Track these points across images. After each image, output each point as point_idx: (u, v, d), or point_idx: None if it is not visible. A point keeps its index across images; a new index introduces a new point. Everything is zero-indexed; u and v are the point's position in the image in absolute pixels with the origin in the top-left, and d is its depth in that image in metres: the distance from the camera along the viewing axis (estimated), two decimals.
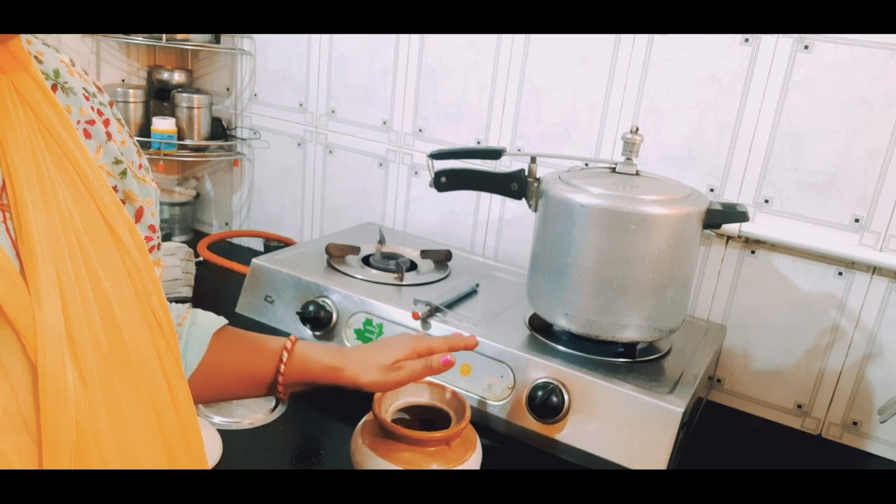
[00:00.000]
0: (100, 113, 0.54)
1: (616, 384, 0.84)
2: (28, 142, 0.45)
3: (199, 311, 0.71)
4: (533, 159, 0.94)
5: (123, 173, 0.54)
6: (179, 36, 1.46)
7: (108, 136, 0.54)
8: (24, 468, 0.39)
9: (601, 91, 1.16)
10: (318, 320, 1.00)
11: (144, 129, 1.49)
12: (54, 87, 0.51)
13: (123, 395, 0.45)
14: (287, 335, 1.03)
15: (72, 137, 0.48)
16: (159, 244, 0.59)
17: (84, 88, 0.54)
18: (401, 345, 0.75)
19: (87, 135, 0.52)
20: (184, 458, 0.49)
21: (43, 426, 0.40)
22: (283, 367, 0.71)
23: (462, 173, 0.98)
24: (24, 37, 0.51)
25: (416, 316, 0.96)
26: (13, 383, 0.40)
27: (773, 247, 1.08)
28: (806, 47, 1.00)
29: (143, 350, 0.47)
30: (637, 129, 0.93)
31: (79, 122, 0.52)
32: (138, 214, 0.56)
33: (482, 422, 0.89)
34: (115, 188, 0.53)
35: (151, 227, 0.58)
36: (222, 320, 0.71)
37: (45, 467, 0.39)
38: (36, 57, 0.50)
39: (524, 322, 1.00)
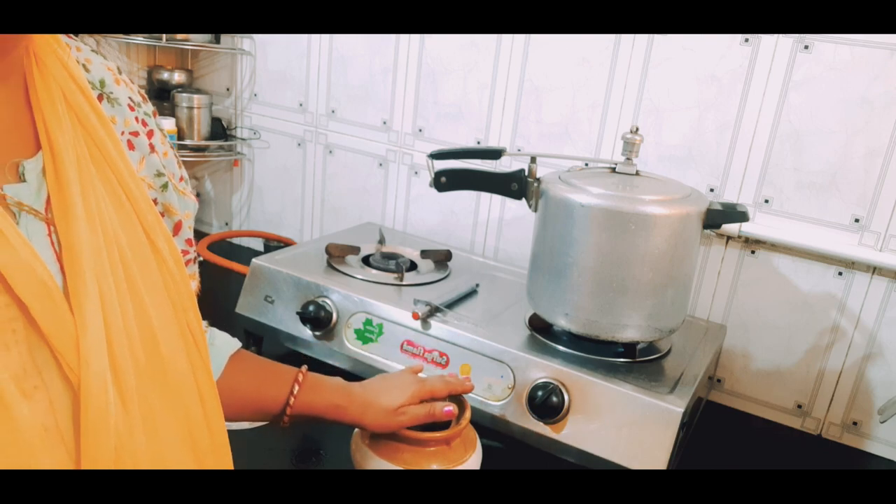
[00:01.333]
0: (144, 124, 0.54)
1: (616, 384, 0.84)
2: (74, 152, 0.45)
3: (216, 331, 0.72)
4: (533, 159, 0.94)
5: (164, 186, 0.54)
6: (179, 36, 1.46)
7: (152, 147, 0.54)
8: None
9: (601, 91, 1.16)
10: (318, 320, 1.00)
11: None
12: (100, 98, 0.51)
13: (160, 412, 0.45)
14: (287, 335, 1.04)
15: (116, 149, 0.48)
16: (195, 258, 0.59)
17: (130, 98, 0.54)
18: (404, 387, 0.76)
19: (131, 146, 0.52)
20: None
21: (83, 446, 0.40)
22: (293, 398, 0.71)
23: (462, 173, 0.97)
24: (73, 44, 0.51)
25: (416, 316, 0.95)
26: (52, 399, 0.40)
27: (773, 247, 1.08)
28: (806, 47, 1.00)
29: (179, 366, 0.47)
30: (637, 129, 0.93)
31: (123, 132, 0.52)
32: (176, 228, 0.56)
33: (482, 422, 0.88)
34: (154, 201, 0.53)
35: (188, 241, 0.57)
36: (237, 343, 0.72)
37: None
38: (84, 65, 0.50)
39: (524, 322, 1.00)
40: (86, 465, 0.40)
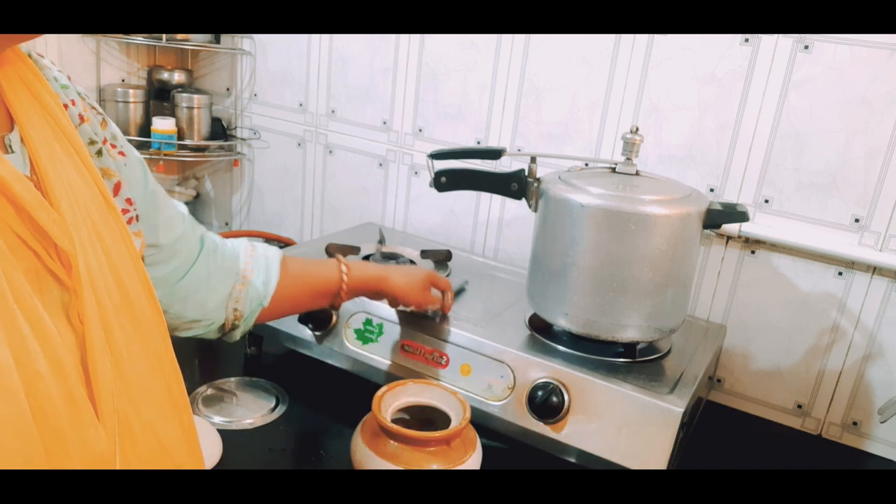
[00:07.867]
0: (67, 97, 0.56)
1: (616, 384, 0.84)
2: (40, 122, 0.48)
3: (259, 244, 0.83)
4: (533, 159, 0.94)
5: (99, 153, 0.57)
6: (179, 36, 1.46)
7: (81, 118, 0.55)
8: (73, 416, 0.43)
9: (601, 91, 1.16)
10: (318, 320, 1.00)
11: (144, 129, 1.49)
12: None
13: (137, 352, 0.49)
14: (287, 335, 1.04)
15: (65, 119, 0.51)
16: (137, 216, 0.61)
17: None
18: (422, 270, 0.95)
19: None
20: (181, 400, 0.54)
21: (94, 385, 0.45)
22: (347, 271, 0.86)
23: (462, 173, 0.97)
24: None
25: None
26: (65, 340, 0.44)
27: (773, 247, 1.08)
28: (806, 47, 1.00)
29: (147, 313, 0.52)
30: (637, 129, 0.93)
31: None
32: (116, 188, 0.59)
33: (482, 422, 0.88)
34: None
35: (128, 200, 0.60)
36: (280, 250, 0.83)
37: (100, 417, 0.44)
38: None
39: (524, 322, 1.00)
40: (97, 392, 0.44)
